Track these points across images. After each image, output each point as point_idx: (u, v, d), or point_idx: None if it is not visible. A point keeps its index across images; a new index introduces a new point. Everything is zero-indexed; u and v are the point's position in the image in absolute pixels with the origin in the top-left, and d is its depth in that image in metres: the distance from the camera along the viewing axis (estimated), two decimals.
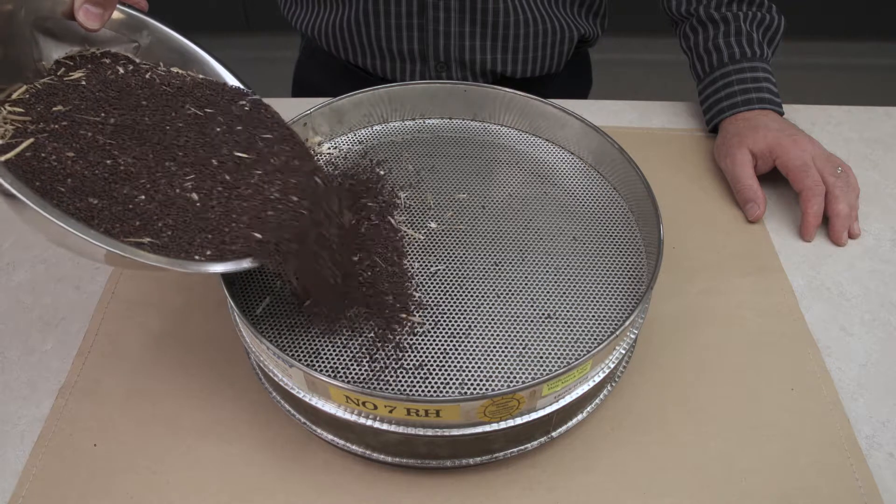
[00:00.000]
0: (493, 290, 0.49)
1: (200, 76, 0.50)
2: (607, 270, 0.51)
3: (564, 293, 0.49)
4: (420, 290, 0.49)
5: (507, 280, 0.50)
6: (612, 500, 0.45)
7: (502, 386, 0.44)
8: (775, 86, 0.68)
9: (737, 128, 0.66)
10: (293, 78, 0.94)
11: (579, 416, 0.47)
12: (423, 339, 0.46)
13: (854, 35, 1.82)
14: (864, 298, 0.58)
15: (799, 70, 1.80)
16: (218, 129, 0.45)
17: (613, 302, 0.49)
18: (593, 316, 0.48)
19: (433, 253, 0.52)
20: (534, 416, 0.43)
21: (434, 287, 0.49)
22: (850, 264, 0.60)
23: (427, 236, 0.53)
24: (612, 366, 0.45)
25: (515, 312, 0.48)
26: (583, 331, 0.47)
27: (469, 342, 0.46)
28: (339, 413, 0.42)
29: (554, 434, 0.46)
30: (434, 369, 0.45)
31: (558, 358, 0.45)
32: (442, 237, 0.53)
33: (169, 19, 0.51)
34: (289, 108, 0.73)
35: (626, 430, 0.49)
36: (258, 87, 0.53)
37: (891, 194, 0.67)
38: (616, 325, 0.47)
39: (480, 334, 0.47)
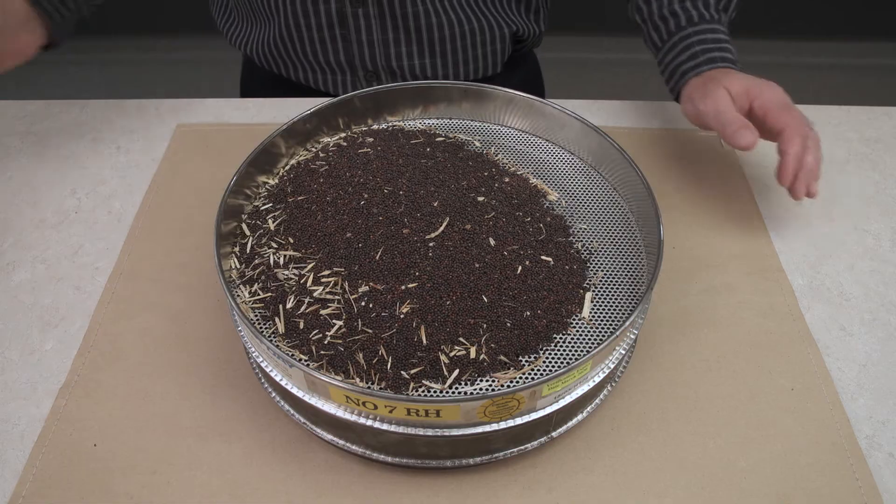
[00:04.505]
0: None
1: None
2: (607, 270, 0.51)
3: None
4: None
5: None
6: (612, 500, 0.45)
7: (502, 386, 0.44)
8: (734, 52, 0.65)
9: (705, 79, 0.62)
10: (240, 94, 0.92)
11: (579, 416, 0.47)
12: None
13: (854, 35, 1.82)
14: (864, 298, 0.58)
15: (799, 70, 1.80)
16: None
17: (613, 302, 0.49)
18: (593, 316, 0.48)
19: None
20: (534, 416, 0.43)
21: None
22: (850, 264, 0.60)
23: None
24: (612, 366, 0.45)
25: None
26: (583, 331, 0.47)
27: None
28: (340, 413, 0.42)
29: (554, 434, 0.46)
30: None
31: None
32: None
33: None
34: (285, 107, 0.74)
35: (626, 430, 0.49)
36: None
37: (891, 194, 0.67)
38: (616, 325, 0.47)
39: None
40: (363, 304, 0.45)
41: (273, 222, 0.52)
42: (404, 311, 0.45)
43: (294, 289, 0.47)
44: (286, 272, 0.48)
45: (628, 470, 0.46)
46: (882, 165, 0.70)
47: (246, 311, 0.47)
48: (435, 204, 0.50)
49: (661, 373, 0.52)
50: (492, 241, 0.49)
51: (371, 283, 0.46)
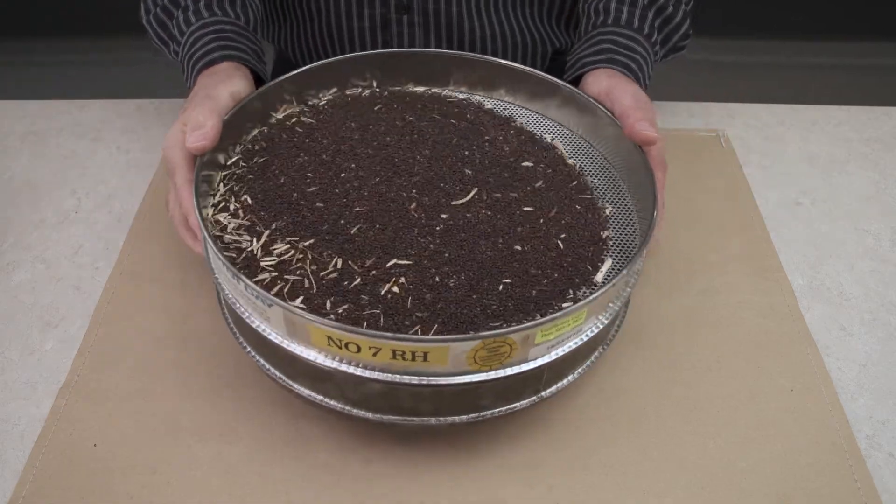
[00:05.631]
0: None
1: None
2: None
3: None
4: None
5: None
6: (611, 499, 0.45)
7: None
8: (644, 69, 0.60)
9: (609, 76, 0.58)
10: None
11: (570, 377, 0.46)
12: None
13: (854, 35, 1.82)
14: (864, 298, 0.58)
15: (799, 70, 1.80)
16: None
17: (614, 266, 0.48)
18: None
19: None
20: (525, 367, 0.41)
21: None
22: (850, 264, 0.60)
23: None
24: (606, 322, 0.44)
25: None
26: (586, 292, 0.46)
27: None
28: (320, 360, 0.41)
29: (544, 394, 0.45)
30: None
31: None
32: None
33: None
34: None
35: (625, 429, 0.49)
36: None
37: (891, 194, 0.67)
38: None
39: None
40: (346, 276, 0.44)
41: (238, 184, 0.51)
42: (394, 290, 0.44)
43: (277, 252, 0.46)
44: (242, 237, 0.47)
45: (628, 469, 0.47)
46: (882, 165, 0.70)
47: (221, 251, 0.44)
48: (468, 171, 0.52)
49: (661, 372, 0.52)
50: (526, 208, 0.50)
51: (361, 260, 0.45)
